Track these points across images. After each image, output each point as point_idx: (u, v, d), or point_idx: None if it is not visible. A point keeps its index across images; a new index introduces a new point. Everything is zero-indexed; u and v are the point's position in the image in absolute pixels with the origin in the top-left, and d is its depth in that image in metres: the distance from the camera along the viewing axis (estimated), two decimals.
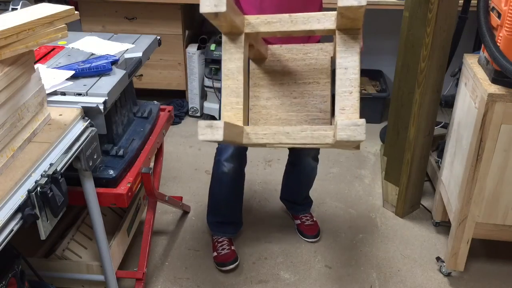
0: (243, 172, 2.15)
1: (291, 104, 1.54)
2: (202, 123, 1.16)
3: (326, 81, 1.54)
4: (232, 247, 2.21)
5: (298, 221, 2.39)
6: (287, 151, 2.29)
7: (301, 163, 2.25)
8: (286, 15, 1.27)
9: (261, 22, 1.29)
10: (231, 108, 1.28)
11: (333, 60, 1.58)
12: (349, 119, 1.18)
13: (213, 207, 2.24)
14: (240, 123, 1.27)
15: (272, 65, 1.57)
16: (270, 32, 1.30)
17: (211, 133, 1.15)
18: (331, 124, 1.55)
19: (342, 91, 1.20)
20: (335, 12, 1.25)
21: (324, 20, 1.25)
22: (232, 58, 1.29)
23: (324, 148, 1.74)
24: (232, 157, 2.03)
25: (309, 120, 1.53)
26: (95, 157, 1.53)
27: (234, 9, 1.20)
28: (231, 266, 2.15)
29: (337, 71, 1.22)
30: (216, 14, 1.14)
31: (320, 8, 1.89)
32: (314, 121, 1.53)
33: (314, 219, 2.40)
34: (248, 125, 1.34)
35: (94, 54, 1.82)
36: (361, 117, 1.19)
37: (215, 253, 2.20)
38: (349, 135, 1.10)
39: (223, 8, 1.12)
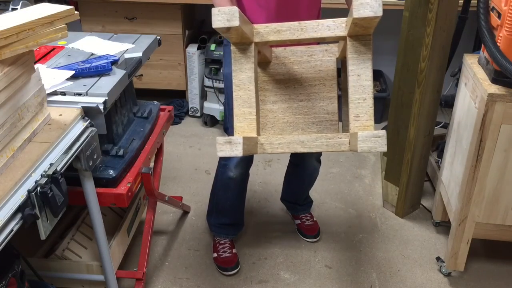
0: (248, 174, 2.12)
1: (297, 107, 1.53)
2: (220, 139, 1.15)
3: (332, 83, 1.53)
4: (234, 250, 2.20)
5: (298, 221, 2.39)
6: None
7: (304, 164, 2.23)
8: (296, 22, 1.25)
9: (271, 31, 1.27)
10: (244, 118, 1.27)
11: (338, 61, 1.57)
12: (364, 126, 1.18)
13: (216, 210, 2.21)
14: (254, 134, 1.27)
15: (277, 68, 1.55)
16: (279, 40, 1.28)
17: (230, 149, 1.15)
18: (338, 126, 1.55)
19: (355, 98, 1.19)
20: (345, 19, 1.24)
21: (335, 27, 1.24)
22: (243, 69, 1.27)
23: None
24: (241, 162, 1.99)
25: (317, 122, 1.53)
26: (95, 157, 1.53)
27: (245, 21, 1.19)
28: (233, 272, 2.14)
29: (350, 78, 1.21)
30: (228, 28, 1.13)
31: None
32: (321, 123, 1.53)
33: (314, 219, 2.40)
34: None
35: (94, 54, 1.82)
36: None
37: (215, 254, 2.20)
38: (371, 146, 1.11)
39: (236, 23, 1.12)
